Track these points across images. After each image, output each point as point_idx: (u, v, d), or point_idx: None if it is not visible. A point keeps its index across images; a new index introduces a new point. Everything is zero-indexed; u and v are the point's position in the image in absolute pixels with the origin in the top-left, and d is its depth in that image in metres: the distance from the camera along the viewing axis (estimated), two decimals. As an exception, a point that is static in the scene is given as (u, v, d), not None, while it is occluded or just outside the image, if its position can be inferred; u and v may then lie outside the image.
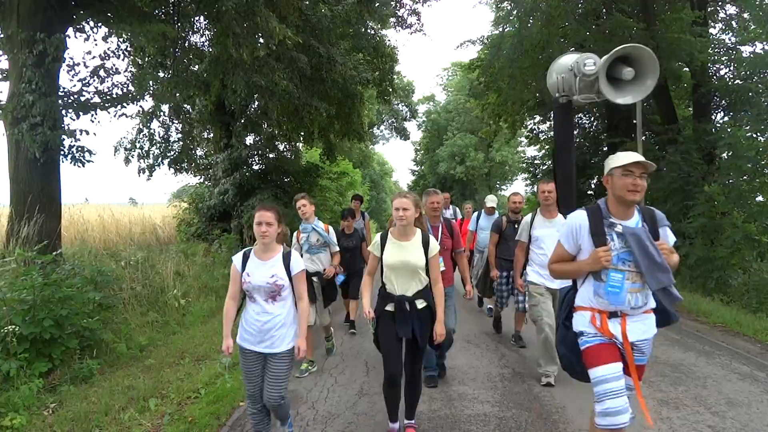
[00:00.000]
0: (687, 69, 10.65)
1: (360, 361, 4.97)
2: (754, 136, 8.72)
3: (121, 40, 9.21)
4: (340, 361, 5.01)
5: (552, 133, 16.91)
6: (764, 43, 9.38)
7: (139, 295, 6.45)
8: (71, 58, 7.40)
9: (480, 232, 6.76)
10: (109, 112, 7.60)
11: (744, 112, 9.87)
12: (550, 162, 16.45)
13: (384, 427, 3.36)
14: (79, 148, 6.63)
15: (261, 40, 8.33)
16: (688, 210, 9.18)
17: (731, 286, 8.22)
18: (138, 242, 9.86)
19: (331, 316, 5.33)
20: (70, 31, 7.23)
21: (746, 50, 10.04)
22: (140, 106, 10.72)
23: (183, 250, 9.22)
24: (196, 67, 10.16)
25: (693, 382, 4.20)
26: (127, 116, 8.72)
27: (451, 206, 8.46)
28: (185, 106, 12.43)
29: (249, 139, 13.75)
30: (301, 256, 4.55)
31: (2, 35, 6.52)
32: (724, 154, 9.58)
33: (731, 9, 11.71)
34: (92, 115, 7.10)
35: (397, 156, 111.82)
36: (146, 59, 10.78)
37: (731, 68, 10.72)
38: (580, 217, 2.41)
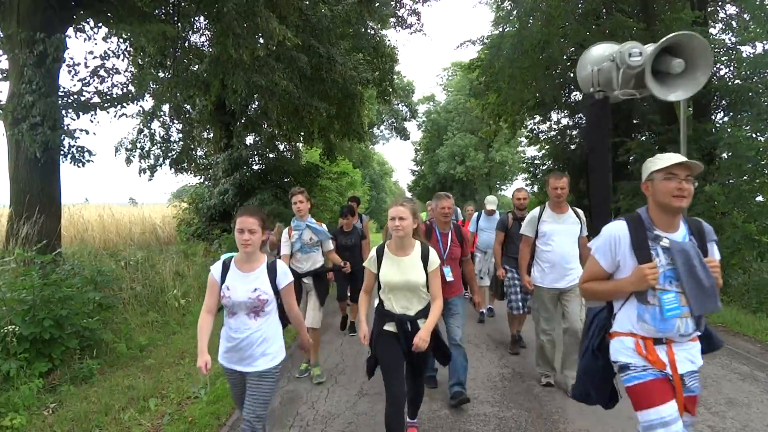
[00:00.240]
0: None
1: (360, 361, 4.96)
2: (754, 136, 8.72)
3: (121, 40, 9.22)
4: (340, 361, 5.01)
5: (552, 133, 16.94)
6: (764, 43, 9.37)
7: (139, 295, 6.45)
8: (71, 58, 7.42)
9: (480, 233, 6.75)
10: (108, 112, 7.62)
11: (744, 112, 9.87)
12: (550, 162, 16.45)
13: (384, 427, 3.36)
14: (79, 148, 6.63)
15: (261, 41, 8.33)
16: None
17: (731, 286, 8.21)
18: (138, 242, 9.86)
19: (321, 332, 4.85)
20: (70, 31, 7.24)
21: (746, 50, 10.03)
22: (140, 107, 10.74)
23: (183, 250, 9.22)
24: (196, 67, 10.17)
25: (693, 382, 4.20)
26: (127, 116, 8.74)
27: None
28: (185, 106, 12.44)
29: (249, 139, 13.78)
30: (291, 255, 4.44)
31: (2, 35, 6.52)
32: (724, 154, 9.57)
33: (731, 9, 11.70)
34: (92, 115, 7.11)
35: (397, 156, 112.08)
36: (146, 59, 10.79)
37: (731, 68, 10.71)
38: (619, 228, 2.07)
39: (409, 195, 41.70)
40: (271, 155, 13.45)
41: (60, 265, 5.46)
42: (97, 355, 4.79)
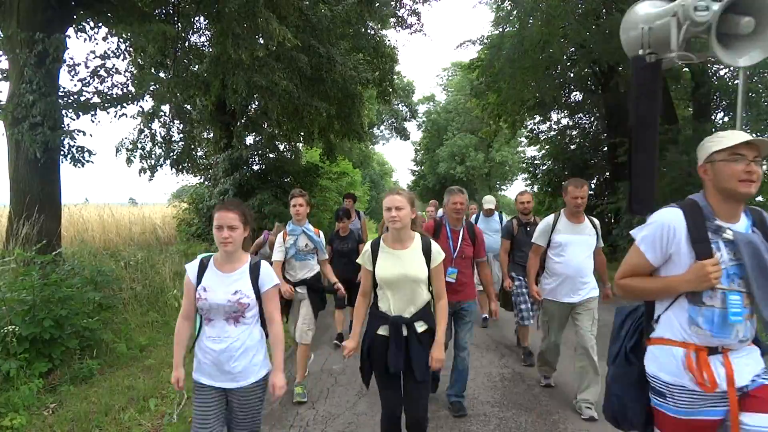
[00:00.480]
0: (687, 69, 10.66)
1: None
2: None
3: (121, 40, 9.22)
4: (340, 360, 5.02)
5: (552, 133, 16.95)
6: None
7: (139, 295, 6.45)
8: (71, 58, 7.41)
9: None
10: (108, 113, 7.61)
11: (744, 112, 9.89)
12: (550, 162, 16.46)
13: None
14: (79, 149, 6.63)
15: (260, 41, 8.34)
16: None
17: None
18: (138, 242, 9.86)
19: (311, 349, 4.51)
20: (70, 31, 7.23)
21: (746, 50, 10.06)
22: (140, 107, 10.74)
23: (183, 250, 9.22)
24: (197, 67, 10.17)
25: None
26: (126, 116, 8.74)
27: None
28: (186, 106, 12.45)
29: (249, 139, 13.77)
30: (284, 261, 4.08)
31: (2, 35, 6.53)
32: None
33: (731, 9, 11.72)
34: (92, 115, 7.11)
35: (397, 156, 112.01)
36: (146, 59, 10.80)
37: (731, 68, 10.72)
38: (674, 217, 1.75)
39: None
40: (271, 155, 13.45)
41: (60, 265, 5.46)
42: (97, 355, 4.79)
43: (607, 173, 13.83)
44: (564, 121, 16.90)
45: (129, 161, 12.51)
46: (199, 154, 14.15)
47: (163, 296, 6.73)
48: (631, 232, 1.89)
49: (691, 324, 1.72)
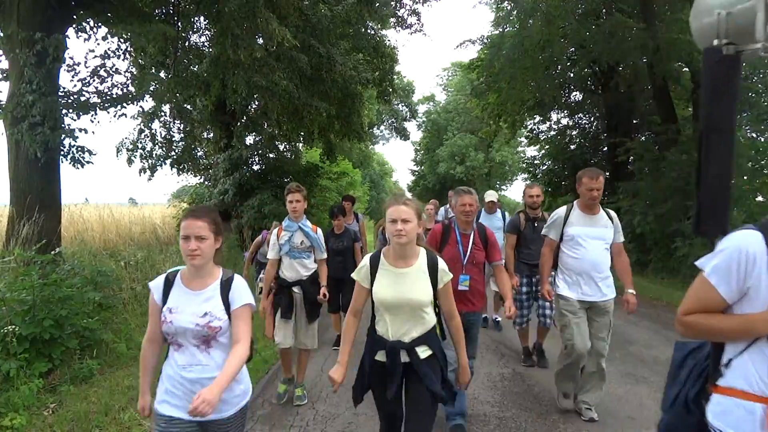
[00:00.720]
0: (687, 69, 10.67)
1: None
2: (754, 136, 8.73)
3: (121, 40, 9.23)
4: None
5: (552, 133, 16.97)
6: (764, 43, 9.39)
7: (139, 295, 6.44)
8: (71, 58, 7.41)
9: None
10: (108, 113, 7.62)
11: (744, 113, 9.89)
12: (549, 162, 16.48)
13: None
14: (79, 148, 6.64)
15: (260, 41, 8.34)
16: (688, 210, 9.19)
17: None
18: (138, 242, 9.85)
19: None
20: (70, 31, 7.24)
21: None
22: (140, 107, 10.75)
23: (183, 250, 9.21)
24: (197, 67, 10.17)
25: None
26: (126, 116, 8.76)
27: (443, 208, 8.01)
28: (186, 106, 12.46)
29: (249, 139, 13.78)
30: (279, 258, 3.90)
31: (2, 35, 6.53)
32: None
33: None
34: (92, 115, 7.11)
35: (397, 156, 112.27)
36: (147, 59, 10.81)
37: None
38: (753, 242, 1.41)
39: (408, 195, 41.61)
40: (271, 155, 13.46)
41: (60, 265, 5.45)
42: (97, 355, 4.79)
43: (607, 173, 13.85)
44: (564, 121, 16.94)
45: (130, 161, 12.53)
46: (199, 154, 14.17)
47: (163, 296, 6.72)
48: (697, 262, 1.57)
49: None
